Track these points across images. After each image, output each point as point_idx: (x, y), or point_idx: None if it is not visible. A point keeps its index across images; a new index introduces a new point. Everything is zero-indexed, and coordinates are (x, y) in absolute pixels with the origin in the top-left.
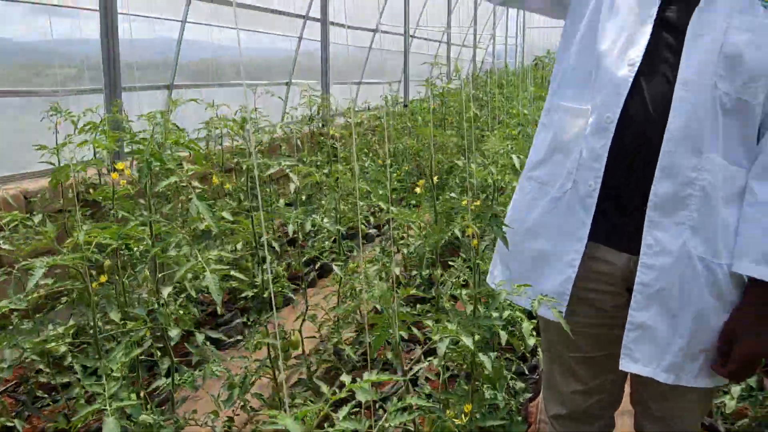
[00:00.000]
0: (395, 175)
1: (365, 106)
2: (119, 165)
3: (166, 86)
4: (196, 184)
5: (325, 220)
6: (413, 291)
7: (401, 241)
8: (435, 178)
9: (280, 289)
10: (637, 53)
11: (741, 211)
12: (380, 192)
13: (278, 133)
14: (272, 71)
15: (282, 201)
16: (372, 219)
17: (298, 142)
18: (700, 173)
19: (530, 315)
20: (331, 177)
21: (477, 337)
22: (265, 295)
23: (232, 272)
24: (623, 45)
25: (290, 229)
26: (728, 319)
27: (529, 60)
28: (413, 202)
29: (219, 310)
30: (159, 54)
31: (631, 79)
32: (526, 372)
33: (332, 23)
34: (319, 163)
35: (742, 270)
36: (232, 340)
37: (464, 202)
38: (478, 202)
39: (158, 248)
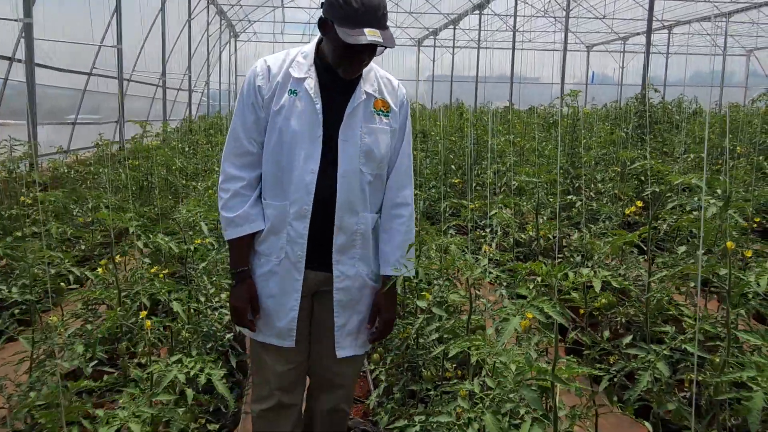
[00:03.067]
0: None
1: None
2: None
3: None
4: None
5: (14, 289)
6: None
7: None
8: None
9: None
10: (315, 164)
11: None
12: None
13: None
14: None
15: None
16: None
17: None
18: (359, 225)
19: None
20: (20, 250)
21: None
22: None
23: None
24: (305, 159)
25: None
26: (374, 300)
27: None
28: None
29: None
30: None
31: (314, 181)
32: None
33: (42, 65)
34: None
35: (384, 272)
36: None
37: (153, 269)
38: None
39: None
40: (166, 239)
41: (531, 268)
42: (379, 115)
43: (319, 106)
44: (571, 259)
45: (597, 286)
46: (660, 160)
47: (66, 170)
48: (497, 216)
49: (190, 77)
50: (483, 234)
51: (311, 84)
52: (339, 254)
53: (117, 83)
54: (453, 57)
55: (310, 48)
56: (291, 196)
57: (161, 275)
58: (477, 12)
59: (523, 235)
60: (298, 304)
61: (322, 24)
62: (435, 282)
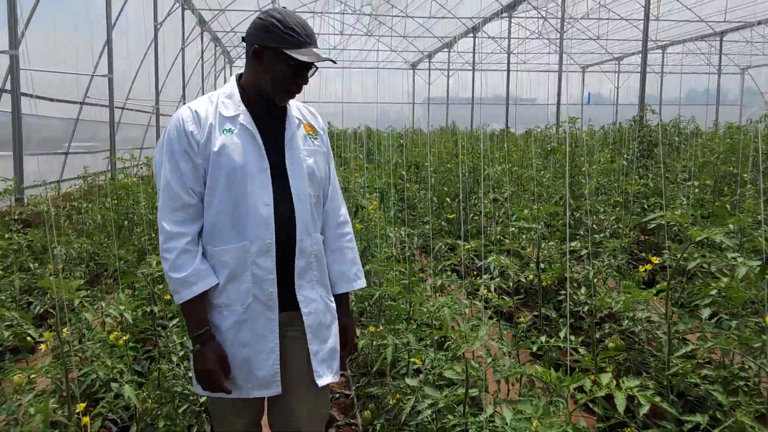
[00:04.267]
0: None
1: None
2: None
3: None
4: None
5: None
6: None
7: None
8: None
9: None
10: (268, 195)
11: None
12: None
13: None
14: None
15: None
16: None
17: None
18: (313, 246)
19: None
20: None
21: None
22: None
23: None
24: (258, 193)
25: None
26: (340, 323)
27: None
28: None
29: None
30: None
31: (272, 213)
32: None
33: (32, 95)
34: None
35: (342, 289)
36: None
37: (112, 335)
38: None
39: None
40: (121, 306)
41: (540, 377)
42: (310, 138)
43: (259, 138)
44: (575, 297)
45: (621, 405)
46: (669, 191)
47: (46, 207)
48: (496, 260)
49: (184, 104)
50: (481, 276)
51: (246, 119)
52: (299, 279)
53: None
54: (448, 80)
55: (231, 87)
56: (250, 234)
57: (121, 342)
58: (471, 35)
59: (523, 279)
60: (278, 346)
61: (258, 53)
62: (428, 350)
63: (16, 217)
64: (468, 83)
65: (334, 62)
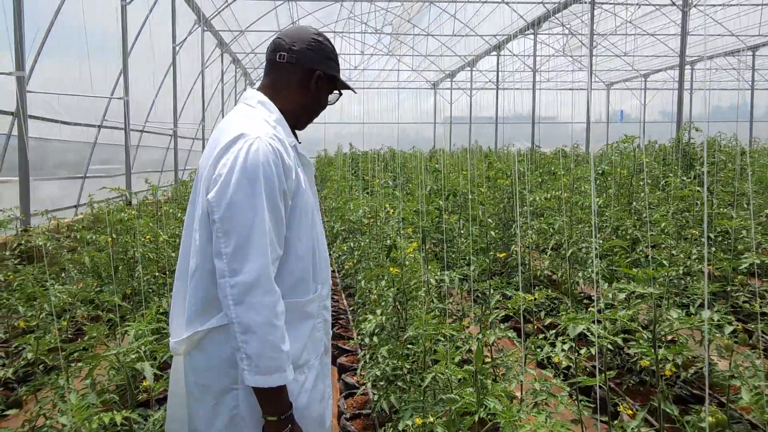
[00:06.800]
0: None
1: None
2: None
3: None
4: None
5: None
6: None
7: None
8: None
9: None
10: (323, 234)
11: None
12: None
13: None
14: None
15: None
16: None
17: None
18: None
19: None
20: None
21: None
22: None
23: None
24: (321, 232)
25: None
26: None
27: None
28: None
29: None
30: None
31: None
32: None
33: (49, 119)
34: None
35: None
36: None
37: None
38: None
39: None
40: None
41: None
42: None
43: (312, 170)
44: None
45: None
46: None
47: (44, 241)
48: (592, 330)
49: (203, 126)
50: (546, 336)
51: (302, 150)
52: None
53: (130, 135)
54: (471, 99)
55: (276, 111)
56: (321, 278)
57: None
58: (494, 53)
59: (609, 345)
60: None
61: (319, 79)
62: None
63: (9, 253)
64: (487, 102)
65: (354, 91)
